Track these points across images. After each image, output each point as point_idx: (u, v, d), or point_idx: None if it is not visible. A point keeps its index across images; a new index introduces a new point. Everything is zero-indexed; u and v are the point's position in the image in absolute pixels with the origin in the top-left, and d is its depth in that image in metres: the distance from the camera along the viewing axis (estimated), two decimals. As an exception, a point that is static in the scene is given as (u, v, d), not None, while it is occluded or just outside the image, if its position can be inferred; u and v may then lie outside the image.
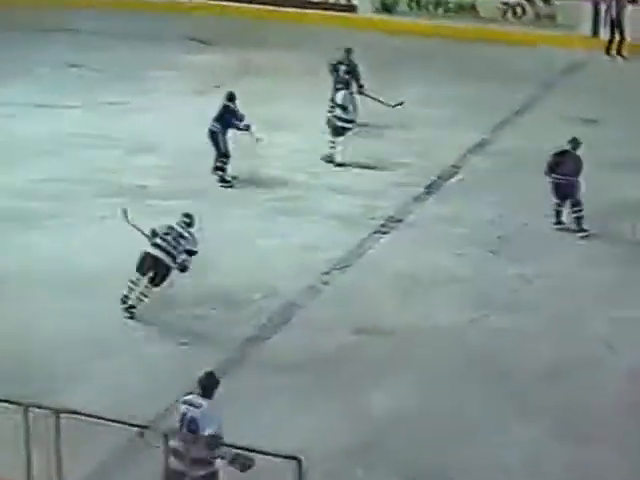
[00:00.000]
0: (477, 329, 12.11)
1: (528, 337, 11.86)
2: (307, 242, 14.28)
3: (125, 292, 12.24)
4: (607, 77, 22.55)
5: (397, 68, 22.58)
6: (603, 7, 24.70)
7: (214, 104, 16.74)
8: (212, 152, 16.33)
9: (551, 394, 10.79)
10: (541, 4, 25.89)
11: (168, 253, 12.20)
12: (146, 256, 12.19)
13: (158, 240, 12.23)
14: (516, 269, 13.49)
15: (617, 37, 24.55)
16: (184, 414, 8.63)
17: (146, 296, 12.25)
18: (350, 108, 17.71)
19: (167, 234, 12.27)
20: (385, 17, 26.63)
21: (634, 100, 20.41)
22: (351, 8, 27.06)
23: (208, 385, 8.70)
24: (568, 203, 14.81)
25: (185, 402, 8.71)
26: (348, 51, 19.42)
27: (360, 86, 18.98)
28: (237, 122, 16.32)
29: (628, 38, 24.26)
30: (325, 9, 26.78)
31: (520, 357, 11.49)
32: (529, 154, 17.42)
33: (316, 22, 25.58)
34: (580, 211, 14.68)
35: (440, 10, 26.64)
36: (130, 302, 12.20)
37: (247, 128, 16.36)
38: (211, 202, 15.27)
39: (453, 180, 16.70)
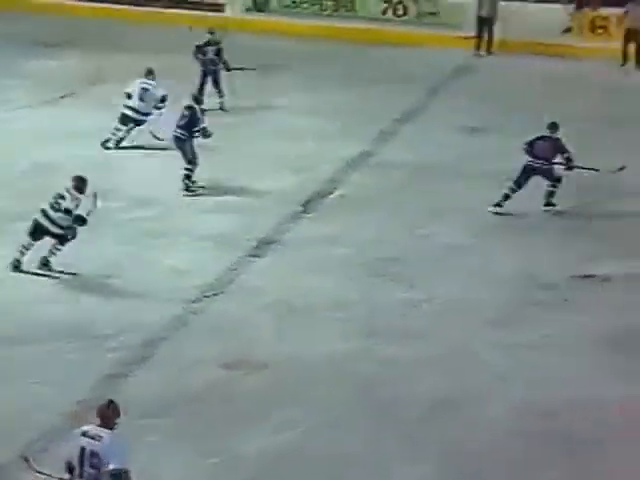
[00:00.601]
0: (361, 359, 11.90)
1: (416, 366, 11.69)
2: (174, 267, 13.96)
3: (16, 256, 13.63)
4: (492, 79, 22.92)
5: (271, 72, 22.53)
6: (475, 5, 25.30)
7: (62, 116, 16.43)
8: (63, 168, 15.96)
9: (439, 429, 10.62)
10: (424, 2, 26.25)
11: (52, 221, 13.61)
12: (34, 222, 13.66)
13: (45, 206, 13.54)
14: (403, 293, 13.40)
15: (486, 35, 25.22)
16: (83, 448, 8.37)
17: (53, 253, 13.72)
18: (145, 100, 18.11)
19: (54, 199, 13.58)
20: (257, 17, 26.69)
21: (526, 104, 20.77)
22: (219, 7, 27.01)
23: (108, 415, 8.46)
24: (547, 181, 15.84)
25: (84, 434, 8.41)
26: (212, 32, 20.39)
27: (227, 69, 20.38)
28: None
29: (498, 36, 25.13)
30: (191, 9, 26.73)
31: (407, 388, 11.31)
32: (413, 167, 17.60)
33: (182, 23, 25.45)
34: (555, 187, 15.86)
35: (316, 9, 26.79)
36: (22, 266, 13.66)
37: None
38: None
39: (333, 196, 16.63)
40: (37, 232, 13.72)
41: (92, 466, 8.32)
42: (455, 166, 17.84)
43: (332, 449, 10.30)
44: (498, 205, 15.87)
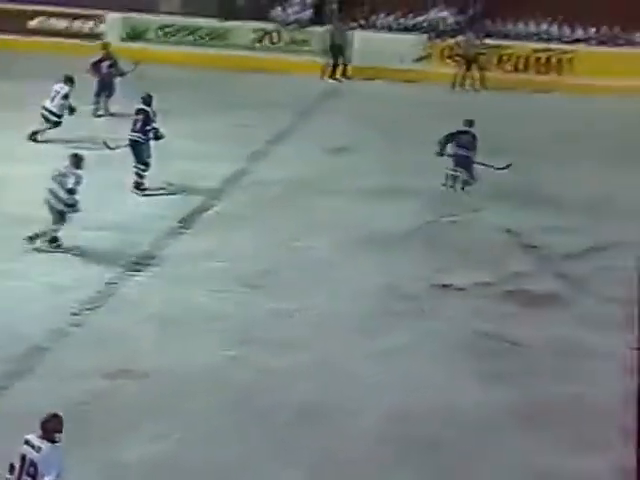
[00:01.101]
0: (237, 368, 11.54)
1: (290, 375, 11.38)
2: (55, 282, 13.40)
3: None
4: (360, 102, 22.98)
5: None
6: (326, 33, 25.29)
7: None
8: None
9: (311, 436, 10.32)
10: (295, 31, 26.19)
11: (55, 196, 14.27)
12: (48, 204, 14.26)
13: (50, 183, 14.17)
14: (277, 304, 13.10)
15: (340, 61, 25.26)
16: (24, 456, 7.99)
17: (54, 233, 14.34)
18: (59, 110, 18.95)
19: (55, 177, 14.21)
20: (134, 45, 26.28)
21: (386, 125, 20.93)
22: (97, 36, 26.54)
23: (49, 428, 8.05)
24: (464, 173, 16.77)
25: (27, 443, 8.04)
26: (105, 46, 21.11)
27: (122, 74, 21.04)
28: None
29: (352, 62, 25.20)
30: (69, 37, 26.19)
31: (282, 397, 10.97)
32: (285, 184, 17.49)
33: (62, 51, 24.88)
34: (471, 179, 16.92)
35: (191, 38, 26.51)
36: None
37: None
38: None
39: (210, 213, 16.31)
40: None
41: (29, 475, 7.98)
42: (323, 183, 17.71)
43: (208, 458, 9.90)
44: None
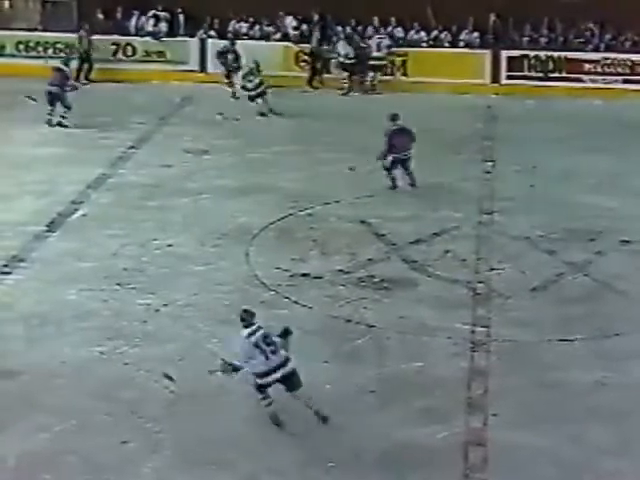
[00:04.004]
0: (105, 363, 11.33)
1: (157, 365, 11.21)
2: None
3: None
4: (216, 109, 22.85)
5: (15, 109, 21.78)
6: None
7: None
8: None
9: (179, 422, 10.20)
10: (152, 41, 25.83)
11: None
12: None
13: None
14: (143, 300, 12.90)
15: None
16: None
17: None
18: None
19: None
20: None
21: (242, 130, 20.90)
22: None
23: None
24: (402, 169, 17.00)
25: None
26: None
27: None
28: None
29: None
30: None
31: (149, 387, 10.83)
32: (146, 186, 17.27)
33: None
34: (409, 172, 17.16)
35: (50, 52, 25.88)
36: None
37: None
38: None
39: (75, 216, 15.93)
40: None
41: None
42: (182, 183, 17.56)
43: (81, 450, 9.70)
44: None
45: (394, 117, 17.41)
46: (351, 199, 16.89)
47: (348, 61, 24.68)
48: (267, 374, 10.12)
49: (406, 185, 17.35)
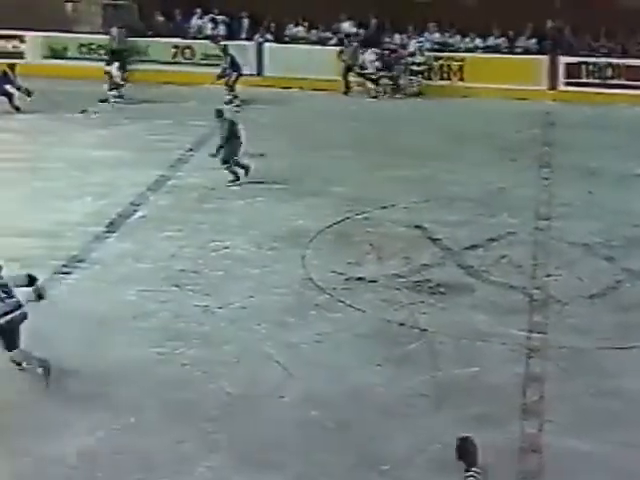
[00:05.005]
0: (163, 363, 11.40)
1: (214, 367, 11.29)
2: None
3: None
4: (274, 113, 22.98)
5: (65, 111, 21.93)
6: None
7: None
8: None
9: (235, 423, 10.22)
10: (210, 44, 26.04)
11: None
12: None
13: None
14: (200, 301, 12.98)
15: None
16: None
17: None
18: None
19: None
20: (54, 62, 25.87)
21: (299, 133, 20.99)
22: (19, 55, 26.11)
23: None
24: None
25: None
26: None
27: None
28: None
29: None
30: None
31: (206, 389, 10.87)
32: (203, 188, 17.38)
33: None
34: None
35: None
36: None
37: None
38: None
39: (134, 217, 16.07)
40: None
41: None
42: (239, 186, 17.63)
43: (137, 449, 9.77)
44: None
45: (219, 113, 17.64)
46: (406, 203, 16.86)
47: (364, 70, 24.55)
48: None
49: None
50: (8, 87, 22.18)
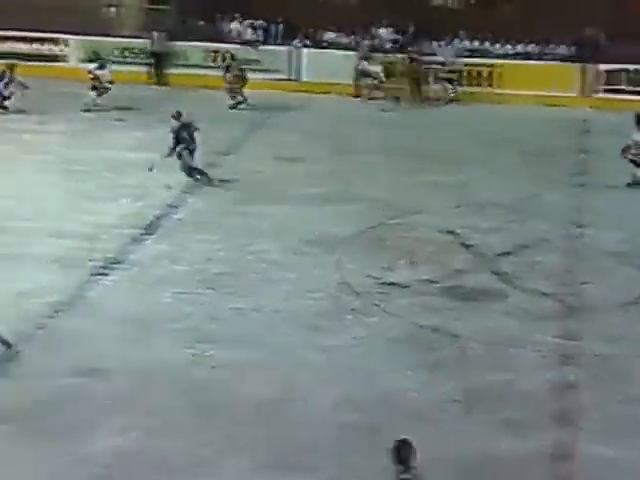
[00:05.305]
0: (196, 365, 11.49)
1: (247, 370, 11.36)
2: (23, 288, 13.17)
3: None
4: (310, 118, 23.08)
5: (110, 114, 22.13)
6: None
7: None
8: None
9: (265, 425, 10.29)
10: (248, 49, 26.18)
11: None
12: None
13: None
14: (235, 304, 13.07)
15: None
16: None
17: None
18: None
19: None
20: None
21: (334, 138, 21.06)
22: (56, 58, 26.34)
23: None
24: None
25: None
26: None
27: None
28: None
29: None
30: (31, 60, 25.87)
31: (239, 390, 10.95)
32: (238, 192, 17.49)
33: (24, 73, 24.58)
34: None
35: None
36: None
37: None
38: None
39: (171, 220, 16.20)
40: None
41: None
42: (275, 190, 17.72)
43: (169, 449, 9.87)
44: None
45: (178, 114, 17.79)
46: (439, 209, 16.88)
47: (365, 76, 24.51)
48: None
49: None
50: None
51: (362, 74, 24.94)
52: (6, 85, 22.52)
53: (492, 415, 10.57)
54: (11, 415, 10.27)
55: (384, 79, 24.83)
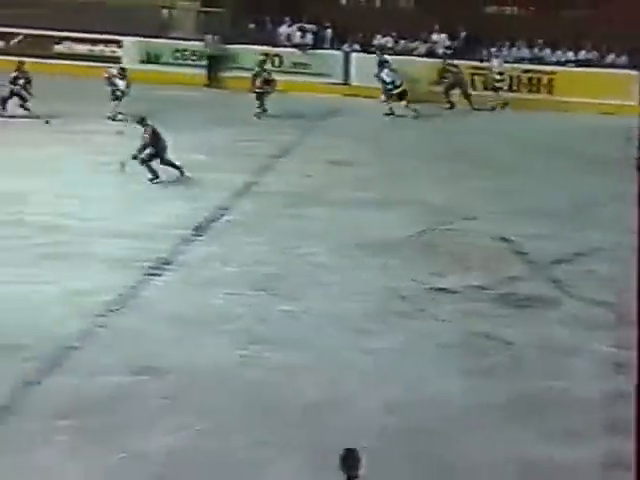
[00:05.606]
0: (247, 366, 11.49)
1: (296, 372, 11.34)
2: (78, 286, 13.30)
3: None
4: (359, 122, 23.07)
5: (165, 117, 22.34)
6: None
7: None
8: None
9: (314, 428, 10.26)
10: (298, 53, 26.24)
11: None
12: None
13: None
14: (284, 306, 13.07)
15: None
16: None
17: None
18: None
19: None
20: (149, 67, 26.30)
21: (384, 143, 21.04)
22: (116, 59, 26.57)
23: None
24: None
25: None
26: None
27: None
28: None
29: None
30: (88, 60, 26.13)
31: (288, 392, 10.93)
32: (288, 195, 17.52)
33: (80, 74, 24.85)
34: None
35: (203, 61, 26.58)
36: None
37: None
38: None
39: (220, 221, 16.26)
40: None
41: None
42: (324, 194, 17.75)
43: (220, 449, 9.87)
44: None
45: (143, 119, 18.02)
46: (490, 215, 16.78)
47: (395, 90, 24.13)
48: None
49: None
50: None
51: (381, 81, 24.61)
52: (25, 86, 22.41)
53: (543, 423, 10.48)
54: (69, 411, 10.33)
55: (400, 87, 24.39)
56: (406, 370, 11.57)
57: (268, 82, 23.65)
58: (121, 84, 22.72)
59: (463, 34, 26.14)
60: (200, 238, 15.55)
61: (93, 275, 13.82)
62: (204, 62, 26.38)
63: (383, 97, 24.31)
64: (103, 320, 12.55)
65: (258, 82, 23.76)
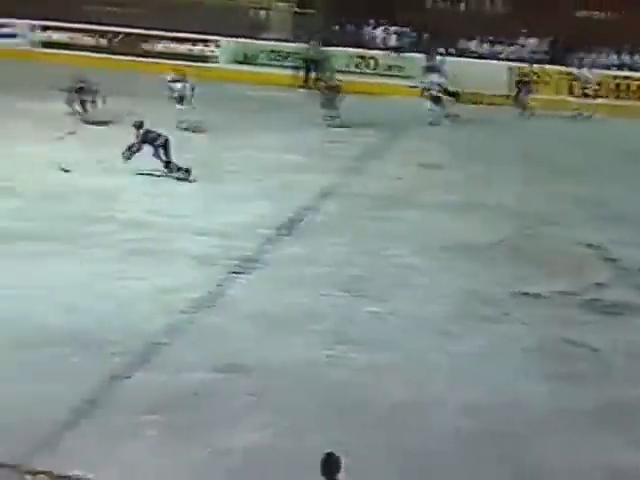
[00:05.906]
0: (333, 366, 11.53)
1: (381, 373, 11.35)
2: (166, 283, 13.49)
3: None
4: (449, 126, 22.97)
5: (252, 117, 22.42)
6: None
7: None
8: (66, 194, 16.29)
9: (397, 429, 10.26)
10: (393, 55, 26.20)
11: None
12: None
13: None
14: (369, 307, 13.08)
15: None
16: None
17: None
18: None
19: None
20: (241, 68, 26.51)
21: (473, 148, 20.92)
22: (204, 59, 26.85)
23: None
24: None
25: None
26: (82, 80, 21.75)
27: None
28: None
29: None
30: (178, 59, 26.40)
31: (372, 393, 10.93)
32: (375, 197, 17.52)
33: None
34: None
35: (299, 62, 26.66)
36: None
37: None
38: (70, 243, 14.64)
39: (306, 221, 16.31)
40: None
41: None
42: (411, 196, 17.70)
43: (300, 447, 9.85)
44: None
45: (140, 125, 18.02)
46: (577, 221, 16.59)
47: (439, 93, 23.70)
48: None
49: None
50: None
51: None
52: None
53: (630, 430, 10.33)
54: (156, 407, 10.48)
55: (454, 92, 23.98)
56: (490, 373, 11.51)
57: (332, 87, 23.14)
58: (179, 86, 21.76)
59: (551, 38, 25.83)
60: (285, 238, 15.62)
61: (180, 272, 14.00)
62: (299, 63, 26.39)
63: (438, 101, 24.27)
64: (189, 317, 12.70)
65: (322, 87, 23.32)
